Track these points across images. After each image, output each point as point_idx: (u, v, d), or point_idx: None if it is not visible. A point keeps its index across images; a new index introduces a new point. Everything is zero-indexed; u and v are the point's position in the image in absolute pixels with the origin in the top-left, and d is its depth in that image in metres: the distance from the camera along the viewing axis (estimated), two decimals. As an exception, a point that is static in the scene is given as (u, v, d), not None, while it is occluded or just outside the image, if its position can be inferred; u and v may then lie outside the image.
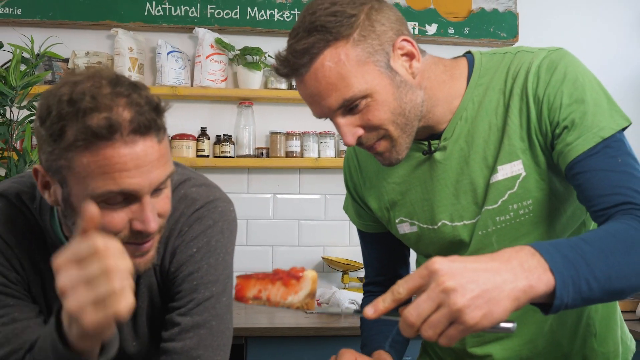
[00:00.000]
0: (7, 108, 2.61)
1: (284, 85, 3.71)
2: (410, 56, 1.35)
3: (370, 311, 1.05)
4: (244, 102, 3.70)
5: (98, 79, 1.14)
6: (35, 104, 2.63)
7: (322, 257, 3.71)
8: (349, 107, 1.32)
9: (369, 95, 1.31)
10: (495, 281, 0.97)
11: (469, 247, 1.45)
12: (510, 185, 1.37)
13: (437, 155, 1.44)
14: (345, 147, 3.64)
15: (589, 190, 1.23)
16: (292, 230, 3.83)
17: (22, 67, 2.63)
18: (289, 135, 3.70)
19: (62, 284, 0.97)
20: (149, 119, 1.15)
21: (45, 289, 1.36)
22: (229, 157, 3.63)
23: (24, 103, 2.63)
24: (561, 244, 1.06)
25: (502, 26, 3.85)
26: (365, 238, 1.74)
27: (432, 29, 3.80)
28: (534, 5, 3.99)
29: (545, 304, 1.03)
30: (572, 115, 1.28)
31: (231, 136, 3.69)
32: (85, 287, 0.96)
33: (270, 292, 1.14)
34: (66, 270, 0.97)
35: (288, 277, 1.15)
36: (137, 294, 1.40)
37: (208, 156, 3.63)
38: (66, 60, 3.50)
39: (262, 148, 3.72)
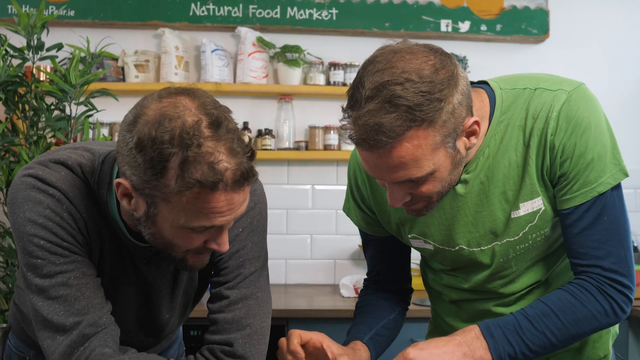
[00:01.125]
0: (67, 104, 2.80)
1: (322, 81, 3.85)
2: (472, 134, 1.37)
3: None
4: (284, 97, 3.85)
5: (197, 116, 1.20)
6: (92, 100, 2.83)
7: (359, 245, 3.85)
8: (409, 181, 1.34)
9: (432, 174, 1.34)
10: None
11: (490, 269, 1.56)
12: (531, 219, 1.47)
13: (459, 187, 1.48)
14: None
15: (570, 243, 1.46)
16: (330, 220, 3.97)
17: (79, 67, 2.82)
18: (327, 129, 3.83)
19: None
20: (248, 169, 1.22)
21: (104, 254, 1.42)
22: (270, 149, 3.78)
23: (81, 99, 2.81)
24: (507, 324, 1.41)
25: (534, 23, 3.94)
26: (369, 240, 1.76)
27: (465, 26, 3.92)
28: (564, 2, 4.07)
29: None
30: (576, 169, 1.39)
31: (272, 130, 3.84)
32: None
33: None
34: None
35: None
36: (178, 272, 1.53)
37: (250, 149, 3.79)
38: (116, 59, 3.69)
39: (301, 141, 3.86)
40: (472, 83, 1.47)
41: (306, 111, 3.93)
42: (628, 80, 4.15)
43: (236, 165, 1.21)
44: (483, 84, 1.50)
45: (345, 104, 1.34)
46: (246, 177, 1.23)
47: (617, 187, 1.43)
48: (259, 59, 3.79)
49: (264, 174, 3.87)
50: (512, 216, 1.47)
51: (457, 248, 1.55)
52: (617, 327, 1.68)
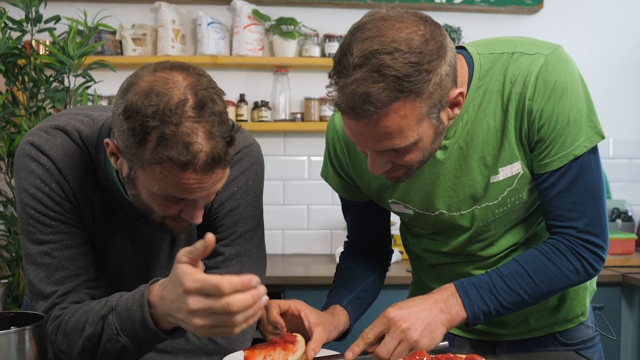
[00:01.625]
0: (65, 76, 2.86)
1: (317, 53, 3.90)
2: (456, 105, 1.39)
3: (349, 355, 1.45)
4: (280, 69, 3.90)
5: (184, 95, 1.24)
6: (90, 72, 2.88)
7: (355, 215, 3.91)
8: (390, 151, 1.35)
9: (415, 144, 1.35)
10: (430, 316, 1.44)
11: (469, 233, 1.59)
12: (509, 183, 1.51)
13: (438, 153, 1.50)
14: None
15: (547, 205, 1.52)
16: (326, 190, 4.00)
17: (77, 39, 2.87)
18: (322, 100, 3.88)
19: (193, 307, 1.18)
20: (221, 154, 1.26)
21: (95, 218, 1.50)
22: (266, 121, 3.84)
23: (79, 71, 2.87)
24: (481, 283, 1.48)
25: None
26: (348, 205, 1.77)
27: (458, -3, 3.96)
28: None
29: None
30: (554, 134, 1.43)
31: (268, 102, 3.90)
32: (210, 315, 1.18)
33: (273, 357, 1.43)
34: (196, 296, 1.18)
35: (285, 342, 1.46)
36: None
37: (247, 121, 3.85)
38: (114, 33, 3.73)
39: (297, 113, 3.92)
40: None
41: (302, 83, 3.99)
42: (621, 49, 4.19)
43: (210, 148, 1.24)
44: (461, 48, 1.51)
45: (331, 70, 1.33)
46: (218, 161, 1.26)
47: (594, 150, 1.47)
48: (254, 32, 3.84)
49: (260, 145, 3.89)
50: (492, 180, 1.51)
51: (437, 213, 1.58)
52: (594, 284, 1.75)
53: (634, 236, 3.62)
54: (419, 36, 1.27)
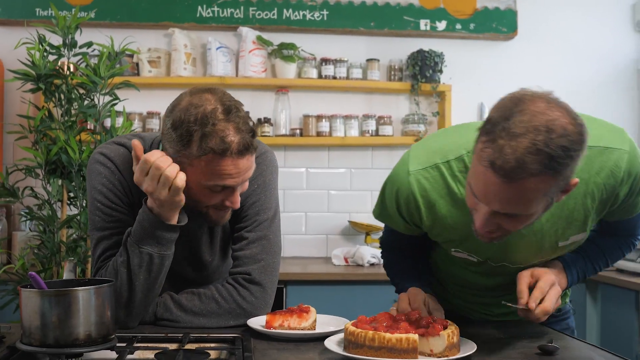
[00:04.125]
0: (95, 95, 3.23)
1: (315, 75, 4.21)
2: (567, 191, 1.45)
3: (530, 304, 1.61)
4: (281, 89, 4.21)
5: (215, 105, 1.63)
6: (116, 91, 3.26)
7: (349, 221, 4.25)
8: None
9: (530, 215, 1.44)
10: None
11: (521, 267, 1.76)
12: (572, 247, 1.74)
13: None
14: (369, 129, 4.06)
15: (611, 229, 1.83)
16: (322, 199, 4.34)
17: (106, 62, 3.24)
18: (319, 117, 4.18)
19: (139, 179, 1.68)
20: (249, 142, 1.65)
21: None
22: (269, 136, 4.14)
23: (107, 90, 3.24)
24: (577, 262, 1.78)
25: (503, 22, 4.32)
26: (398, 234, 1.90)
27: (442, 25, 4.30)
28: (531, 3, 4.42)
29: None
30: (624, 206, 1.67)
31: (270, 119, 4.19)
32: (151, 178, 1.66)
33: (290, 322, 1.74)
34: (140, 175, 1.67)
35: (300, 311, 1.75)
36: None
37: (251, 136, 4.16)
38: (131, 55, 4.09)
39: (296, 129, 4.22)
40: None
41: (301, 102, 4.29)
42: (590, 72, 4.48)
43: (240, 139, 1.63)
44: None
45: (483, 125, 1.40)
46: (247, 147, 1.65)
47: None
48: (258, 55, 4.15)
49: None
50: (559, 244, 1.69)
51: (500, 264, 1.76)
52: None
53: None
54: (572, 126, 1.35)
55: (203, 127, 1.62)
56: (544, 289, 1.60)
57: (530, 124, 1.31)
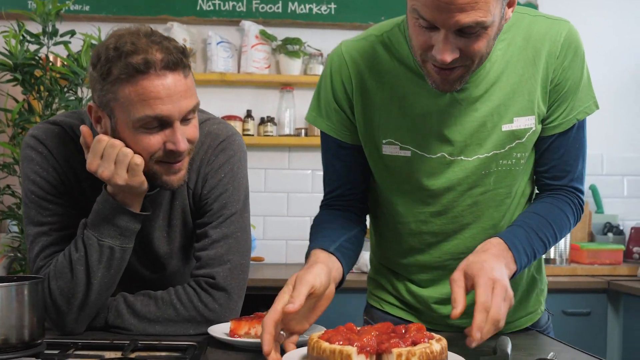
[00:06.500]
0: (78, 87, 3.05)
1: (321, 72, 4.02)
2: (512, 5, 1.43)
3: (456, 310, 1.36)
4: (286, 87, 4.07)
5: (136, 33, 1.49)
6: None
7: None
8: (468, 30, 1.36)
9: (488, 27, 1.36)
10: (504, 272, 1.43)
11: (466, 182, 1.60)
12: (520, 135, 1.56)
13: (458, 94, 1.53)
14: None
15: (547, 163, 1.65)
16: (329, 203, 4.16)
17: (90, 52, 3.06)
18: None
19: (92, 164, 1.52)
20: (177, 58, 1.49)
21: (85, 199, 1.67)
22: (272, 136, 4.00)
23: (92, 83, 3.06)
24: (520, 235, 1.52)
25: None
26: (337, 149, 1.70)
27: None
28: None
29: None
30: (565, 96, 1.56)
31: (274, 118, 4.05)
32: (107, 160, 1.51)
33: (257, 329, 1.52)
34: (94, 159, 1.52)
35: None
36: (172, 213, 1.75)
37: (253, 135, 4.00)
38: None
39: (301, 128, 4.07)
40: None
41: (306, 100, 3.99)
42: (614, 69, 4.30)
43: (165, 54, 1.48)
44: None
45: None
46: (177, 63, 1.50)
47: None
48: (261, 51, 4.01)
49: (266, 159, 4.09)
50: (504, 128, 1.56)
51: (438, 155, 1.59)
52: (545, 284, 1.82)
53: (622, 247, 3.74)
54: None
55: (122, 48, 1.47)
56: (485, 301, 1.32)
57: None
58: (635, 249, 3.86)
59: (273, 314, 1.32)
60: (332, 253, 1.53)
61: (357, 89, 1.62)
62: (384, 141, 1.62)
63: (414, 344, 1.23)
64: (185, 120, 1.55)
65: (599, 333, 3.43)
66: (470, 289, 1.38)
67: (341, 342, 1.22)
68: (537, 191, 1.72)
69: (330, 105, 1.66)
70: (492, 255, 1.43)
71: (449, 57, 1.38)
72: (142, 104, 1.48)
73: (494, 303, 1.32)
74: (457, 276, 1.39)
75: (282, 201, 4.12)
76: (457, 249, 1.66)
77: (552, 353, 1.40)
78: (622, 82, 4.32)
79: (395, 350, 1.20)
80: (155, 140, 1.53)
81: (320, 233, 1.63)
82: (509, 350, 1.41)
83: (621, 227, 4.02)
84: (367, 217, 1.82)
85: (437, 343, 1.24)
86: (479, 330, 1.29)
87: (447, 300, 1.66)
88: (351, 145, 1.68)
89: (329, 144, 1.71)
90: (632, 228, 4.00)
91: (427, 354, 1.21)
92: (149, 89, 1.48)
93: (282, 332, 1.37)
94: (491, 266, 1.38)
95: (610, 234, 3.91)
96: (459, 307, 1.33)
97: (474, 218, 1.64)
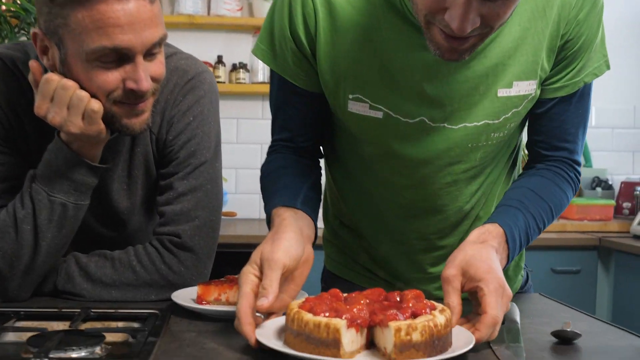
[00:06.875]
0: (31, 27, 2.83)
1: None
2: None
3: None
4: (259, 31, 3.84)
5: None
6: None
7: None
8: None
9: None
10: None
11: (447, 155, 1.39)
12: (517, 103, 1.35)
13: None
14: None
15: (543, 131, 1.43)
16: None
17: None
18: None
19: (41, 108, 1.33)
20: None
21: (29, 145, 1.49)
22: (244, 83, 3.83)
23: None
24: (519, 224, 1.32)
25: None
26: (290, 95, 1.45)
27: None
28: None
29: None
30: (575, 60, 1.35)
31: (246, 64, 3.89)
32: (58, 104, 1.32)
33: (229, 295, 1.35)
34: (42, 102, 1.32)
35: None
36: (133, 162, 1.56)
37: (224, 83, 3.83)
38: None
39: (275, 75, 3.89)
40: None
41: None
42: (610, 22, 4.10)
43: None
44: None
45: None
46: None
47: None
48: (233, -9, 3.82)
49: (238, 107, 3.94)
50: (500, 94, 1.34)
51: (417, 120, 1.35)
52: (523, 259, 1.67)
53: (613, 202, 3.70)
54: None
55: None
56: (496, 316, 1.13)
57: None
58: (625, 204, 3.82)
59: (245, 300, 1.14)
60: (299, 209, 1.31)
61: (322, 26, 1.33)
62: (350, 96, 1.36)
63: (414, 315, 1.04)
64: (149, 54, 1.33)
65: (589, 291, 3.41)
66: (466, 288, 1.18)
67: (327, 314, 1.04)
68: (529, 158, 1.51)
69: (285, 41, 1.37)
70: (494, 251, 1.24)
71: (469, 27, 1.12)
72: (98, 32, 1.25)
73: (500, 315, 1.14)
74: (452, 274, 1.18)
75: (256, 153, 3.98)
76: (428, 230, 1.49)
77: (565, 322, 1.23)
78: (612, 32, 4.13)
79: (392, 324, 1.01)
80: (112, 77, 1.31)
81: (279, 183, 1.40)
82: (517, 317, 1.26)
83: (610, 182, 3.94)
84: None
85: (441, 314, 1.05)
86: (479, 341, 1.11)
87: (416, 269, 1.56)
88: (309, 93, 1.42)
89: (280, 86, 1.45)
90: (622, 183, 3.94)
91: (431, 328, 1.02)
92: (106, 15, 1.25)
93: (258, 314, 1.17)
94: (497, 267, 1.19)
95: (598, 189, 3.84)
96: (455, 315, 1.14)
97: (451, 199, 1.45)
